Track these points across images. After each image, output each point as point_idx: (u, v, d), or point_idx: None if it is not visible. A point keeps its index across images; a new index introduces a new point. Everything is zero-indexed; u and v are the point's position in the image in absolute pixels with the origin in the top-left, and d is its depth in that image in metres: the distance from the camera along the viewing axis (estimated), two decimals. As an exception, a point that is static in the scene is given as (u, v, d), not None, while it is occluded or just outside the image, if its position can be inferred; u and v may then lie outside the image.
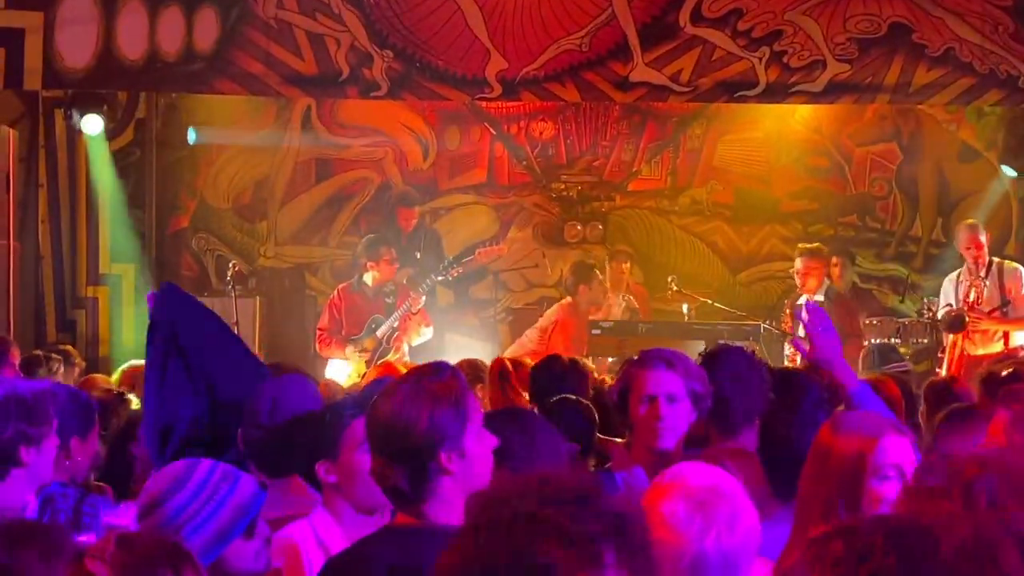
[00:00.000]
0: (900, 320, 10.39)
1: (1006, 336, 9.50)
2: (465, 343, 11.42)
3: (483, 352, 10.43)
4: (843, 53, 10.60)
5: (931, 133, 12.31)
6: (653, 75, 10.73)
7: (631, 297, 10.98)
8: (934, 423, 4.23)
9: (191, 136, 11.89)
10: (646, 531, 1.89)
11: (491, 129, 12.43)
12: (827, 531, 1.80)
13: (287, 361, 6.78)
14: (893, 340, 9.82)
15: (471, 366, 6.73)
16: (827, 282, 10.24)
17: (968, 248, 9.70)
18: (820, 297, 10.15)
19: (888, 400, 4.94)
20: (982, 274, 9.63)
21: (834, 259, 10.85)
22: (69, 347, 8.87)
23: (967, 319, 9.49)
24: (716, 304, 10.65)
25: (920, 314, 10.34)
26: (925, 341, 10.05)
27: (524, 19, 10.72)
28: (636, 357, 3.99)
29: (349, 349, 9.97)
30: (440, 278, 10.27)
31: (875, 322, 10.20)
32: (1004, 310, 9.54)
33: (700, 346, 9.32)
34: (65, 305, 11.55)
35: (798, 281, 10.18)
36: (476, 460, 2.89)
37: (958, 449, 3.69)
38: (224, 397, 4.09)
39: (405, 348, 10.05)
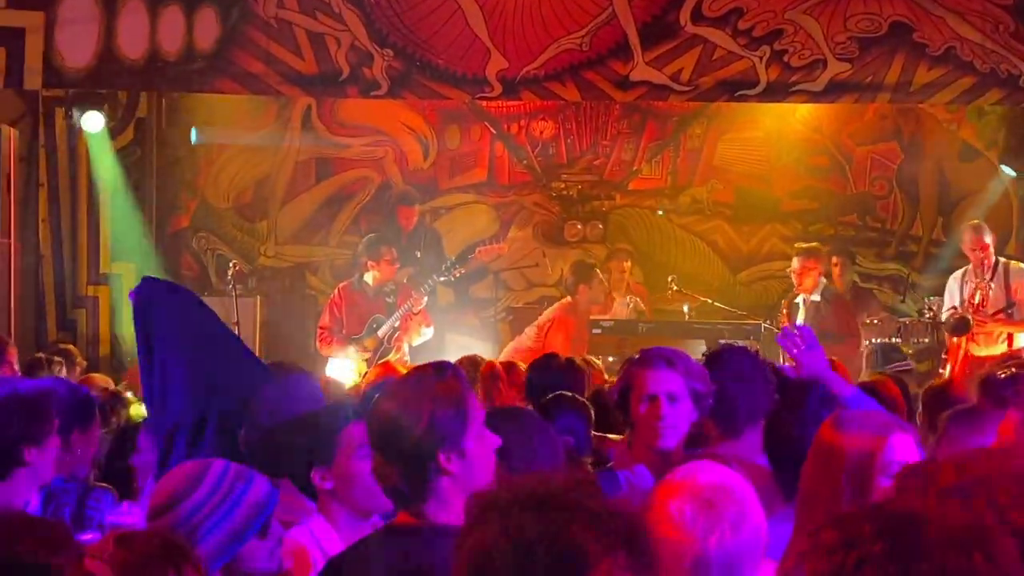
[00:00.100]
0: (901, 320, 10.39)
1: (1010, 337, 9.48)
2: (466, 342, 11.42)
3: (483, 351, 10.43)
4: (844, 52, 10.59)
5: (932, 132, 12.31)
6: (653, 74, 10.72)
7: (638, 299, 10.98)
8: (938, 424, 4.22)
9: (193, 136, 11.89)
10: (650, 543, 1.91)
11: (491, 128, 12.43)
12: (823, 522, 1.81)
13: (288, 360, 6.76)
14: (894, 340, 9.81)
15: (472, 363, 6.72)
16: (823, 281, 10.24)
17: (973, 249, 9.68)
18: (817, 297, 10.16)
19: (888, 400, 4.95)
20: (987, 276, 9.61)
21: (834, 258, 10.85)
22: (70, 346, 8.86)
23: (972, 323, 9.46)
24: (716, 304, 10.65)
25: (921, 314, 10.34)
26: (926, 340, 10.05)
27: (524, 18, 10.72)
28: (637, 356, 3.98)
29: (350, 349, 9.97)
30: (442, 279, 10.27)
31: (876, 321, 10.20)
32: (1009, 312, 9.53)
33: (700, 345, 9.34)
34: (66, 304, 11.55)
35: (795, 280, 10.18)
36: (477, 460, 2.88)
37: (964, 449, 3.69)
38: (222, 395, 4.06)
39: (405, 348, 10.04)
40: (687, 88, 10.78)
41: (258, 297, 11.35)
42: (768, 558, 2.52)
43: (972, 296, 9.61)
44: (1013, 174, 11.88)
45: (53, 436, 3.69)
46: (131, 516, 4.17)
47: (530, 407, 4.95)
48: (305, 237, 12.38)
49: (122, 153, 11.61)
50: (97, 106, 11.06)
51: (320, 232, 12.38)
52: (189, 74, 10.70)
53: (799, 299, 10.27)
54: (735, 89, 10.79)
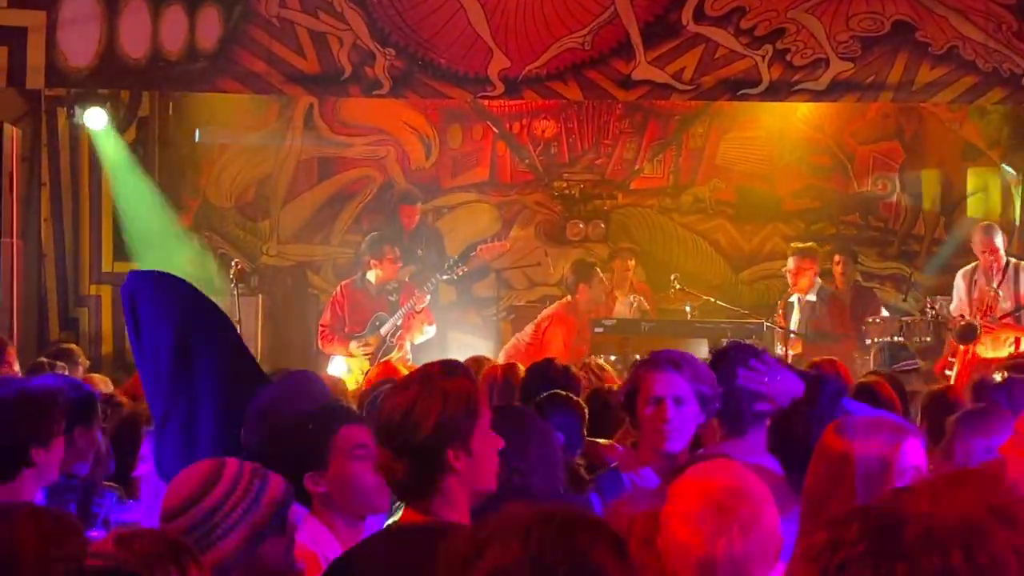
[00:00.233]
0: (903, 319, 10.38)
1: (1017, 340, 9.46)
2: (467, 341, 11.43)
3: (485, 350, 10.44)
4: (846, 51, 10.59)
5: (934, 131, 12.31)
6: (655, 73, 10.72)
7: (641, 298, 10.97)
8: (947, 427, 4.22)
9: (196, 135, 11.89)
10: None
11: (493, 127, 12.43)
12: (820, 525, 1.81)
13: (289, 360, 6.77)
14: (896, 338, 9.80)
15: (477, 363, 6.71)
16: (819, 282, 10.24)
17: (983, 252, 9.66)
18: (812, 297, 10.16)
19: (885, 401, 4.95)
20: (995, 282, 9.58)
21: (836, 257, 10.85)
22: (73, 345, 8.84)
23: (979, 330, 9.44)
24: (719, 303, 10.65)
25: (923, 312, 10.33)
26: (928, 339, 10.03)
27: (526, 17, 10.71)
28: (644, 358, 3.98)
29: (352, 346, 9.97)
30: (445, 277, 10.27)
31: (878, 320, 10.19)
32: (1017, 315, 9.52)
33: (703, 344, 9.34)
34: (68, 303, 11.55)
35: (790, 280, 10.18)
36: (482, 460, 2.89)
37: (976, 450, 3.69)
38: (215, 389, 4.03)
39: (407, 346, 10.05)
40: (689, 87, 10.78)
41: (260, 296, 11.35)
42: (782, 560, 2.52)
43: (980, 299, 9.59)
44: (1013, 173, 11.88)
45: (60, 437, 3.68)
46: (136, 513, 4.17)
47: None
48: (307, 236, 12.38)
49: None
50: (99, 105, 11.05)
51: (322, 231, 12.38)
52: (191, 73, 10.70)
53: (793, 299, 10.27)
54: (737, 88, 10.79)
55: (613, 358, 9.59)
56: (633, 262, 11.34)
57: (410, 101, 11.83)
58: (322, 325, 10.22)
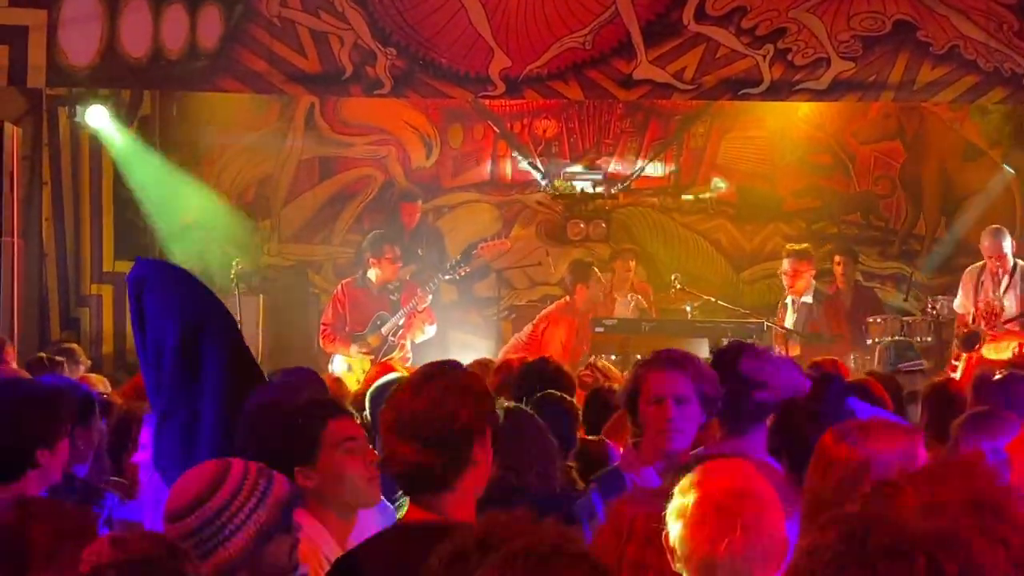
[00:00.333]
0: (905, 318, 10.38)
1: (1021, 344, 9.46)
2: (468, 340, 11.44)
3: (485, 349, 10.45)
4: (847, 51, 10.60)
5: (935, 131, 12.31)
6: (656, 73, 10.73)
7: (640, 297, 10.97)
8: (952, 430, 4.22)
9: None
10: None
11: (494, 127, 12.43)
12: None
13: (289, 360, 6.76)
14: (901, 338, 9.80)
15: (482, 367, 6.69)
16: (813, 284, 10.24)
17: (991, 256, 9.68)
18: (808, 299, 10.15)
19: (876, 400, 4.95)
20: (1001, 288, 9.58)
21: (837, 257, 10.85)
22: (74, 345, 8.85)
23: (982, 338, 9.43)
24: (720, 302, 10.65)
25: (924, 312, 10.34)
26: (929, 339, 10.04)
27: (527, 17, 10.72)
28: (646, 357, 3.97)
29: (353, 348, 9.97)
30: (447, 277, 10.27)
31: (879, 320, 10.19)
32: (1023, 321, 9.52)
33: (704, 344, 9.33)
34: (69, 303, 11.55)
35: (786, 282, 10.15)
36: (490, 458, 2.92)
37: (982, 451, 3.69)
38: (213, 389, 4.01)
39: (408, 345, 10.05)
40: (690, 87, 10.79)
41: (261, 296, 11.34)
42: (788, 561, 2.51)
43: (986, 304, 9.60)
44: (1012, 173, 11.89)
45: (66, 439, 3.67)
46: (138, 513, 4.17)
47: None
48: (308, 236, 12.38)
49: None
50: (101, 104, 11.07)
51: (323, 231, 12.38)
52: (192, 73, 10.71)
53: (788, 300, 10.27)
54: (738, 88, 10.80)
55: (614, 358, 9.59)
56: (634, 263, 11.34)
57: (411, 101, 11.83)
58: (324, 324, 10.22)
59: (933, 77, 10.63)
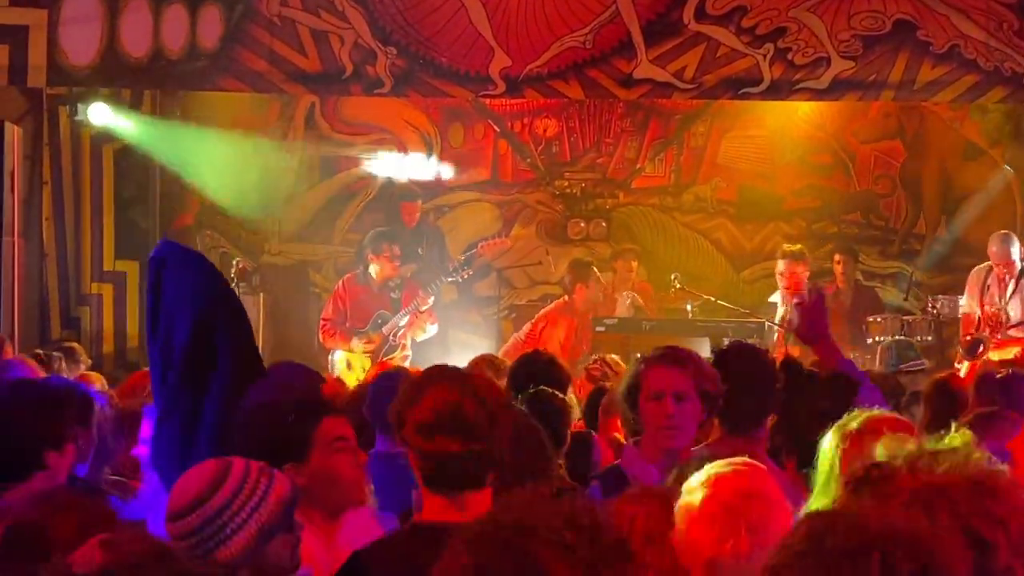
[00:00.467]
0: (905, 317, 10.38)
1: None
2: (468, 340, 11.43)
3: (485, 349, 10.43)
4: (847, 50, 10.60)
5: (935, 130, 12.30)
6: (657, 72, 10.73)
7: (635, 295, 10.97)
8: (958, 426, 4.22)
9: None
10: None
11: (495, 126, 12.43)
12: None
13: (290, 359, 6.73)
14: (902, 337, 9.80)
15: (490, 362, 6.66)
16: (808, 284, 10.24)
17: (998, 263, 9.70)
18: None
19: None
20: (1006, 295, 9.59)
21: (837, 256, 10.85)
22: (75, 344, 8.85)
23: (986, 347, 9.44)
24: (719, 302, 10.65)
25: (924, 311, 10.34)
26: (929, 338, 10.04)
27: (528, 16, 10.72)
28: (647, 354, 3.97)
29: (354, 342, 9.97)
30: (450, 280, 10.27)
31: (879, 320, 10.19)
32: None
33: (704, 343, 9.33)
34: (69, 302, 11.54)
35: (781, 283, 10.15)
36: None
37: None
38: (229, 389, 3.98)
39: (408, 343, 10.05)
40: (690, 86, 10.79)
41: (261, 295, 11.34)
42: None
43: (992, 308, 9.60)
44: (1014, 172, 11.89)
45: (72, 440, 3.63)
46: (141, 512, 4.16)
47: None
48: (308, 235, 12.38)
49: (125, 151, 11.61)
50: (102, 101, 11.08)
51: (323, 230, 12.38)
52: (192, 72, 10.72)
53: (776, 298, 10.27)
54: (738, 87, 10.80)
55: (614, 357, 9.59)
56: (636, 263, 11.34)
57: (411, 100, 11.83)
58: (324, 319, 10.23)
59: (933, 76, 10.64)
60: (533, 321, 10.25)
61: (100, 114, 11.06)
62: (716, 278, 12.17)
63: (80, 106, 11.02)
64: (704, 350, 8.68)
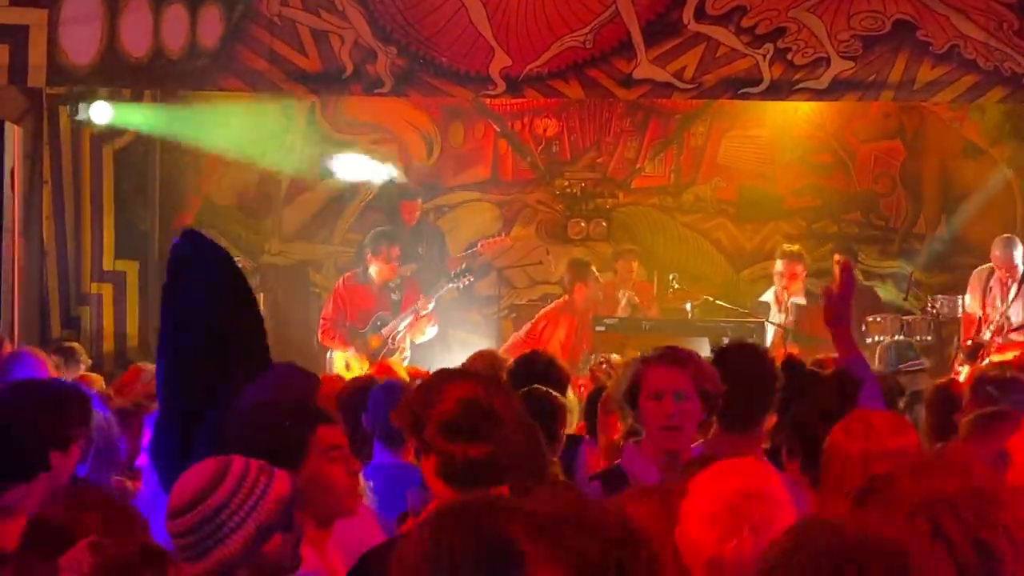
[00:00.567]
0: (904, 317, 10.39)
1: (1024, 345, 9.49)
2: (468, 339, 11.42)
3: (485, 348, 10.43)
4: (847, 50, 10.60)
5: (935, 130, 12.31)
6: (657, 72, 10.73)
7: (632, 293, 10.98)
8: (960, 428, 4.23)
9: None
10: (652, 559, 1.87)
11: (495, 126, 12.44)
12: None
13: (290, 359, 6.70)
14: (897, 337, 9.81)
15: (489, 359, 6.63)
16: (805, 285, 10.25)
17: (1001, 267, 9.71)
18: (802, 300, 10.15)
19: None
20: (1008, 301, 9.59)
21: (836, 256, 10.85)
22: (75, 344, 8.85)
23: (987, 351, 9.44)
24: (717, 301, 10.66)
25: (924, 311, 10.34)
26: (929, 338, 10.05)
27: (528, 16, 10.73)
28: (647, 354, 3.98)
29: (351, 350, 9.96)
30: (451, 285, 10.26)
31: (879, 319, 10.20)
32: None
33: (704, 342, 9.34)
34: (69, 301, 11.54)
35: (779, 282, 10.14)
36: None
37: (988, 454, 3.69)
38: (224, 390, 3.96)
39: (407, 344, 10.05)
40: (690, 86, 10.79)
41: (262, 295, 11.33)
42: None
43: (994, 311, 9.61)
44: (1013, 172, 11.90)
45: (76, 441, 3.60)
46: (141, 513, 4.16)
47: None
48: (309, 235, 12.38)
49: (126, 150, 11.62)
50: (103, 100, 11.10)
51: (324, 230, 12.38)
52: (193, 72, 10.72)
53: (768, 297, 10.26)
54: (738, 87, 10.81)
55: (614, 356, 9.59)
56: (637, 263, 11.35)
57: (412, 99, 11.84)
58: (323, 318, 10.23)
59: (933, 76, 10.64)
60: (534, 320, 10.25)
61: (102, 112, 11.05)
62: (716, 278, 12.18)
63: (81, 105, 11.02)
64: (704, 349, 8.69)
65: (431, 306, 10.02)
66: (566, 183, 12.45)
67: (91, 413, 4.29)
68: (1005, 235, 10.04)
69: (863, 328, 10.08)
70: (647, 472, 3.68)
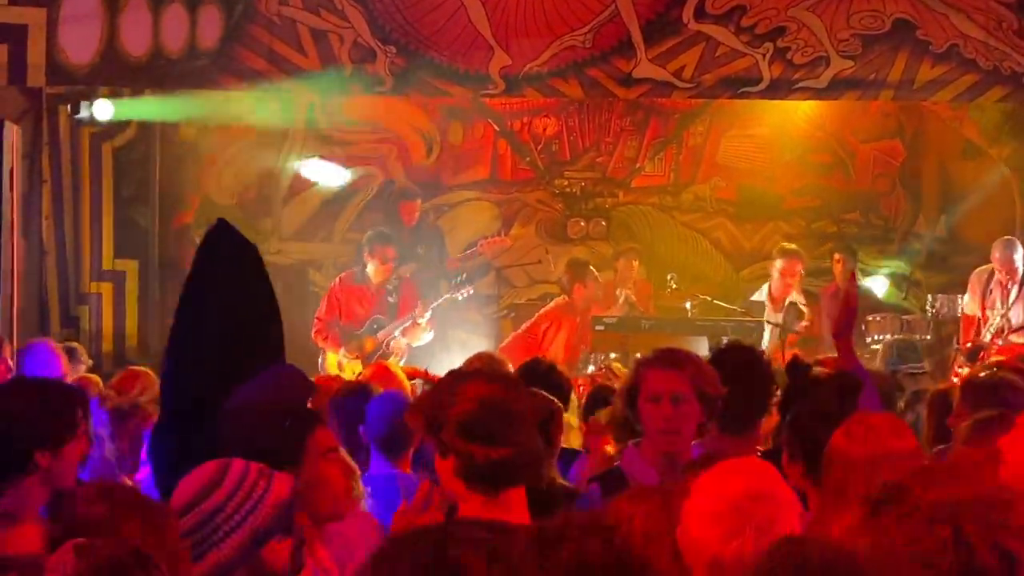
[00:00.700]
0: (904, 316, 10.39)
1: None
2: (467, 339, 11.42)
3: (484, 348, 10.42)
4: (847, 49, 10.61)
5: (934, 130, 12.31)
6: (656, 71, 10.74)
7: (629, 292, 10.97)
8: (961, 429, 4.23)
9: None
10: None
11: (494, 125, 12.43)
12: None
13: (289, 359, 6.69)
14: (896, 336, 9.81)
15: (488, 360, 6.62)
16: (803, 284, 10.25)
17: (1001, 269, 9.71)
18: (801, 299, 10.15)
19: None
20: (1008, 302, 9.60)
21: (836, 255, 10.87)
22: (76, 344, 8.85)
23: (986, 354, 9.45)
24: (715, 301, 10.66)
25: (924, 310, 10.34)
26: (928, 337, 10.05)
27: (527, 15, 10.73)
28: (647, 356, 3.98)
29: (343, 351, 9.95)
30: (451, 295, 10.24)
31: (878, 318, 10.20)
32: None
33: (703, 342, 9.35)
34: (69, 301, 11.54)
35: (778, 282, 10.13)
36: None
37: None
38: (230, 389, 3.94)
39: (403, 344, 10.04)
40: (690, 85, 10.80)
41: (261, 294, 11.31)
42: None
43: (994, 313, 9.62)
44: (1011, 172, 11.91)
45: (72, 441, 3.48)
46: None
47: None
48: (308, 234, 12.37)
49: (125, 150, 11.61)
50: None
51: (323, 229, 12.38)
52: (192, 71, 10.72)
53: (760, 296, 10.26)
54: (738, 86, 10.81)
55: (613, 356, 9.60)
56: (637, 262, 11.34)
57: (411, 99, 11.84)
58: (317, 318, 10.20)
59: (932, 76, 10.64)
60: (534, 320, 10.25)
61: (104, 110, 11.05)
62: (715, 277, 12.18)
63: (82, 104, 11.01)
64: (703, 349, 8.70)
65: (428, 314, 10.01)
66: (565, 182, 12.45)
67: (87, 415, 4.27)
68: (1005, 237, 10.04)
69: (863, 327, 10.08)
70: (646, 474, 3.68)
